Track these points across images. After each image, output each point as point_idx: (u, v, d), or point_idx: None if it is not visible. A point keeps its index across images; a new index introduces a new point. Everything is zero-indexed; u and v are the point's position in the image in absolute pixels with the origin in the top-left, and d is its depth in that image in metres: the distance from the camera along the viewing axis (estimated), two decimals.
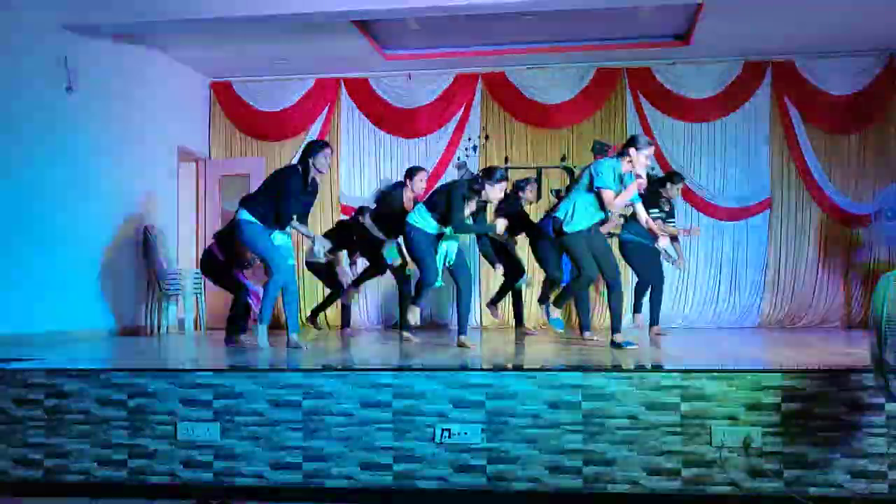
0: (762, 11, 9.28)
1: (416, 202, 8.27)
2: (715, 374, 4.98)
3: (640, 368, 5.15)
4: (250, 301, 8.22)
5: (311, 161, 6.99)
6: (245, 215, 6.96)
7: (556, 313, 7.28)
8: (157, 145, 10.47)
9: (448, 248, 7.33)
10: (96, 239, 9.36)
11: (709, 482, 4.88)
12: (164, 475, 5.27)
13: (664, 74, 11.17)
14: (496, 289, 9.67)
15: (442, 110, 11.45)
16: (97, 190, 9.35)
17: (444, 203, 7.18)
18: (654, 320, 8.82)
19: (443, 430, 5.05)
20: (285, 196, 6.89)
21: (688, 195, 11.07)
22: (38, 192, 8.44)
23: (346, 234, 9.52)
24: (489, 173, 7.18)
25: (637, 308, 8.96)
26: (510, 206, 8.73)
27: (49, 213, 8.58)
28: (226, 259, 8.09)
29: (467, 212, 7.24)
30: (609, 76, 11.25)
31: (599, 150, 9.03)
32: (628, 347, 6.81)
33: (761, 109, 11.06)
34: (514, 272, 9.02)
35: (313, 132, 11.72)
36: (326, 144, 7.14)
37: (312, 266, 9.81)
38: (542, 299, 9.45)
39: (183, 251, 11.01)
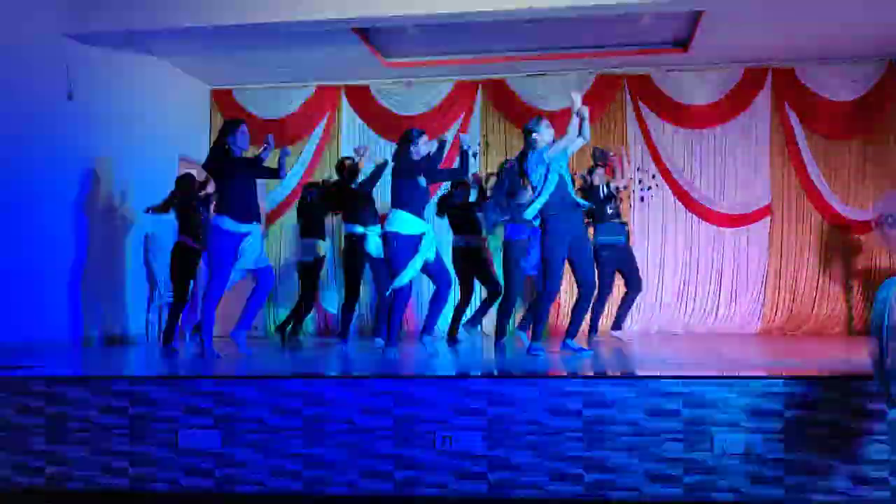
0: (762, 18, 9.30)
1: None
2: (716, 380, 4.98)
3: (641, 375, 5.15)
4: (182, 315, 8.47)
5: (228, 140, 7.12)
6: (213, 220, 7.10)
7: (529, 340, 7.16)
8: (157, 153, 10.48)
9: (428, 247, 7.15)
10: (97, 247, 9.36)
11: (710, 489, 4.88)
12: (166, 483, 5.27)
13: (664, 81, 11.19)
14: (473, 307, 9.66)
15: (442, 117, 11.46)
16: (96, 198, 9.36)
17: (401, 183, 7.11)
18: (618, 324, 8.90)
19: (444, 437, 5.05)
20: (220, 177, 7.10)
21: (688, 202, 11.09)
22: (36, 199, 8.45)
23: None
24: (407, 136, 7.17)
25: (622, 319, 9.01)
26: (454, 199, 8.88)
27: (48, 220, 8.59)
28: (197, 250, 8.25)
29: (425, 152, 7.18)
30: (609, 83, 11.27)
31: (599, 157, 9.04)
32: (582, 353, 6.92)
33: (761, 116, 11.07)
34: (493, 288, 8.96)
35: (314, 139, 11.74)
36: (241, 121, 7.31)
37: (301, 266, 9.42)
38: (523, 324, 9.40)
39: None
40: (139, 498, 5.27)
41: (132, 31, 9.02)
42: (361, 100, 11.73)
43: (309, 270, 9.26)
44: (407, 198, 7.05)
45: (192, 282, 8.51)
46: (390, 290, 7.09)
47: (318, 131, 11.75)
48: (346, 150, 11.73)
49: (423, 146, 7.14)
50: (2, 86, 8.08)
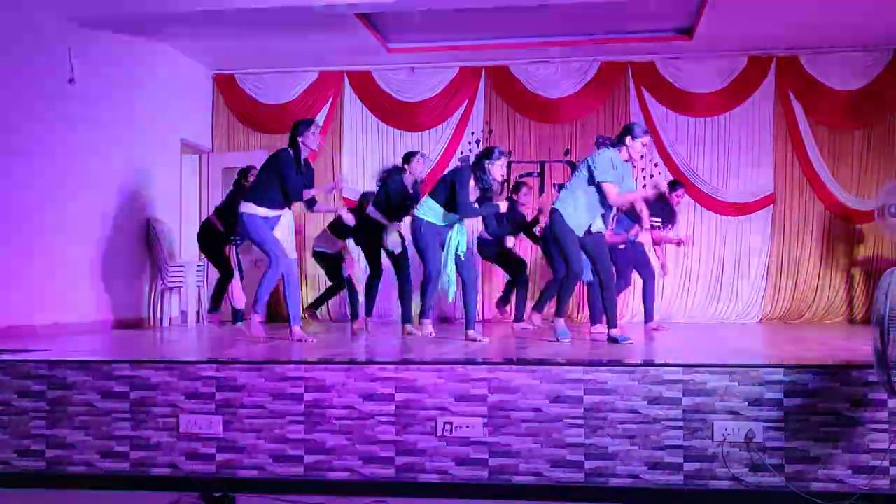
0: (767, 6, 9.26)
1: (415, 191, 8.32)
2: (717, 368, 4.98)
3: (642, 363, 5.15)
4: (231, 289, 8.63)
5: (300, 140, 7.13)
6: (246, 208, 7.06)
7: (560, 324, 7.25)
8: (159, 137, 10.47)
9: (459, 240, 7.34)
10: (99, 231, 9.36)
11: (710, 477, 4.89)
12: (166, 467, 5.28)
13: (668, 69, 11.15)
14: (499, 290, 9.79)
15: (445, 104, 11.44)
16: (99, 182, 9.35)
17: (447, 189, 7.29)
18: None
19: (444, 423, 5.06)
20: (285, 176, 7.05)
21: (691, 190, 11.06)
22: (38, 183, 8.44)
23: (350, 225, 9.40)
24: (488, 153, 7.30)
25: (650, 315, 9.03)
26: (513, 213, 9.00)
27: (49, 204, 8.58)
28: (225, 230, 8.40)
29: (472, 198, 7.28)
30: (613, 70, 11.24)
31: (603, 144, 9.03)
32: (625, 342, 6.86)
33: (765, 105, 11.04)
34: (516, 269, 9.21)
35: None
36: (313, 121, 7.33)
37: (320, 255, 9.74)
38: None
39: (186, 244, 11.01)
40: (140, 482, 5.29)
41: (134, 15, 9.00)
42: (364, 86, 11.70)
43: (326, 258, 9.46)
44: (441, 194, 7.36)
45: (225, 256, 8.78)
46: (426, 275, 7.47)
47: (321, 117, 11.72)
48: (349, 137, 11.73)
49: (497, 170, 7.28)
50: (4, 69, 8.06)
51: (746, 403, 4.90)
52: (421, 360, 5.31)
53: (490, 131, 11.56)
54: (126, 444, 5.34)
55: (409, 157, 8.48)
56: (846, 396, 4.85)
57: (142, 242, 10.07)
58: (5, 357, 5.66)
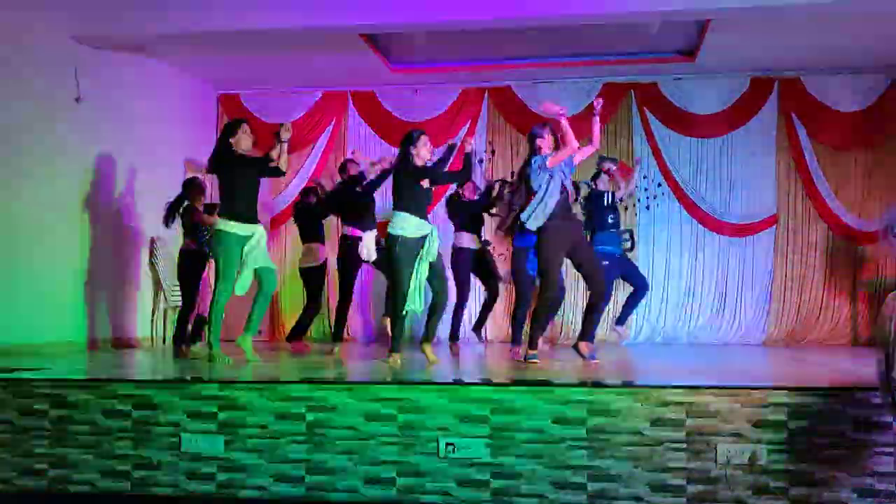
0: (769, 28, 9.29)
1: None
2: (720, 390, 4.97)
3: (645, 385, 5.14)
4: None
5: (230, 141, 7.14)
6: (218, 224, 7.12)
7: (587, 348, 7.09)
8: (163, 157, 10.49)
9: (429, 248, 7.00)
10: (100, 250, 9.37)
11: (713, 500, 4.87)
12: (168, 486, 5.27)
13: (671, 90, 11.18)
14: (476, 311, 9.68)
15: (448, 124, 11.46)
16: (101, 201, 9.37)
17: (403, 185, 7.04)
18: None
19: (447, 444, 5.05)
20: (224, 182, 7.13)
21: (693, 211, 11.07)
22: (43, 202, 8.46)
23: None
24: (408, 138, 7.07)
25: (623, 319, 9.11)
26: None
27: (54, 223, 8.60)
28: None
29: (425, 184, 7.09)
30: (616, 91, 11.26)
31: (599, 164, 9.08)
32: (592, 361, 6.89)
33: (768, 126, 11.05)
34: (493, 290, 9.16)
35: (320, 144, 11.75)
36: (243, 121, 7.34)
37: (304, 271, 9.24)
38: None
39: None
40: (142, 501, 5.28)
41: (140, 36, 9.04)
42: (368, 106, 11.74)
43: (312, 275, 9.21)
44: (409, 199, 6.97)
45: (199, 286, 8.53)
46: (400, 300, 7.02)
47: (325, 137, 11.76)
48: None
49: (424, 148, 7.07)
50: (9, 87, 8.10)
51: (750, 425, 4.89)
52: (423, 381, 5.30)
53: (493, 151, 11.58)
54: (128, 464, 5.33)
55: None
56: (851, 419, 4.84)
57: (142, 261, 10.08)
58: (7, 376, 5.66)
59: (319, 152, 11.75)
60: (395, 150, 10.93)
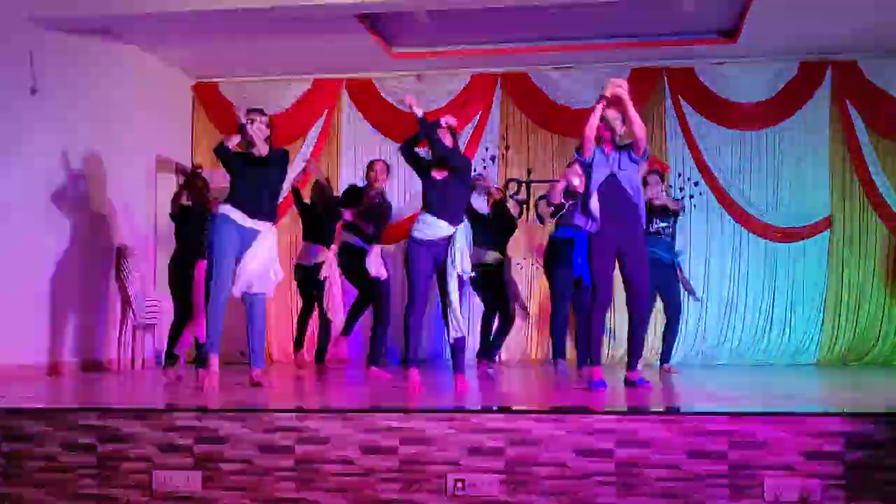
0: (822, 4, 9.28)
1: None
2: (767, 417, 4.95)
3: (682, 411, 5.13)
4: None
5: (246, 131, 7.21)
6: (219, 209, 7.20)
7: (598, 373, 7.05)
8: (132, 154, 10.51)
9: (460, 255, 7.01)
10: (60, 261, 9.38)
11: None
12: None
13: (709, 76, 11.18)
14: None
15: (456, 116, 11.22)
16: (61, 205, 9.38)
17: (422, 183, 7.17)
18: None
19: (455, 480, 5.04)
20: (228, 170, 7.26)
21: (735, 213, 11.06)
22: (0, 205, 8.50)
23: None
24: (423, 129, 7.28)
25: (667, 356, 9.16)
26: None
27: (11, 228, 8.60)
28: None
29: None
30: (647, 77, 11.26)
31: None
32: (643, 386, 6.92)
33: (820, 116, 11.04)
34: (505, 314, 9.18)
35: (311, 139, 11.78)
36: (257, 111, 7.35)
37: (300, 270, 9.37)
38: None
39: (161, 274, 11.02)
40: None
41: (106, 17, 9.06)
42: (364, 95, 11.76)
43: (309, 276, 9.27)
44: (426, 197, 7.11)
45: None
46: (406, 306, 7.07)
47: (315, 131, 11.78)
48: (347, 152, 11.77)
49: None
50: None
51: (802, 457, 4.87)
52: (429, 409, 5.30)
53: (507, 147, 11.58)
54: None
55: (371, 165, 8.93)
56: None
57: (110, 273, 10.09)
58: None
59: (309, 149, 11.76)
60: (396, 146, 11.04)
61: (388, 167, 9.14)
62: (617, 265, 6.97)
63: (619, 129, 7.00)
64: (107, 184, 10.04)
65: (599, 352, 7.01)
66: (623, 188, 6.88)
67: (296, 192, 9.54)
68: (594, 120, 6.85)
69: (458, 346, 6.99)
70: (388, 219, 9.05)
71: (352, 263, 8.77)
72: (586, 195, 6.96)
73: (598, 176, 6.91)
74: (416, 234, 6.99)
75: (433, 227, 6.95)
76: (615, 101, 6.88)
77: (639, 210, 6.92)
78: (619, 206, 6.86)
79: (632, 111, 6.83)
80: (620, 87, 6.78)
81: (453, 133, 7.32)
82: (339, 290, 9.21)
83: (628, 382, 7.01)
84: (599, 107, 6.85)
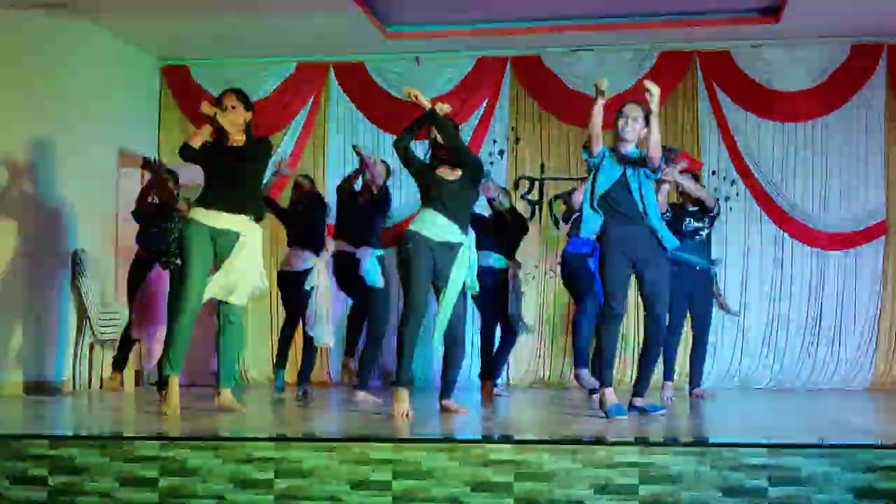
0: None
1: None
2: (813, 450, 4.94)
3: (715, 443, 5.12)
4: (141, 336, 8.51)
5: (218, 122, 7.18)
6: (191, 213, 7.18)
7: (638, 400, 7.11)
8: (89, 146, 10.48)
9: (465, 270, 7.07)
10: (4, 265, 9.38)
11: None
12: None
13: (748, 60, 11.19)
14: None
15: (460, 104, 11.41)
16: (7, 201, 9.37)
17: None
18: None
19: None
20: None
21: (777, 216, 11.04)
22: None
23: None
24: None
25: (697, 381, 9.20)
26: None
27: None
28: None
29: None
30: (677, 61, 11.27)
31: (664, 157, 9.00)
32: (656, 413, 6.89)
33: (874, 106, 11.05)
34: (506, 326, 9.36)
35: (294, 129, 11.78)
36: (233, 93, 7.30)
37: (282, 277, 9.42)
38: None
39: (123, 283, 11.02)
40: None
41: None
42: (356, 80, 11.77)
43: (296, 284, 9.30)
44: (431, 196, 7.10)
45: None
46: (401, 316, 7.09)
47: (300, 120, 11.78)
48: (335, 143, 11.77)
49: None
50: None
51: (853, 495, 4.86)
52: (427, 438, 5.29)
53: (517, 139, 11.58)
54: None
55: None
56: None
57: (64, 282, 10.08)
58: None
59: (293, 140, 11.76)
60: (392, 137, 11.00)
61: (388, 168, 9.12)
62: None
63: (637, 129, 6.97)
64: (60, 178, 10.03)
65: (611, 372, 6.99)
66: (636, 194, 6.88)
67: (268, 201, 9.50)
68: (597, 118, 6.86)
69: (445, 364, 7.07)
70: (384, 220, 9.05)
71: (346, 272, 8.77)
72: (587, 199, 6.93)
73: (605, 180, 6.89)
74: (420, 230, 6.96)
75: (442, 228, 6.95)
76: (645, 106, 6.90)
77: (654, 219, 6.92)
78: (633, 211, 6.86)
79: (656, 120, 6.84)
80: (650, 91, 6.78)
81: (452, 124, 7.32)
82: (327, 305, 9.18)
83: (633, 409, 6.99)
84: (601, 102, 6.85)
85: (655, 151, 6.81)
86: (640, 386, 7.14)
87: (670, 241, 6.96)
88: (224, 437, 5.42)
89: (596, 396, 7.37)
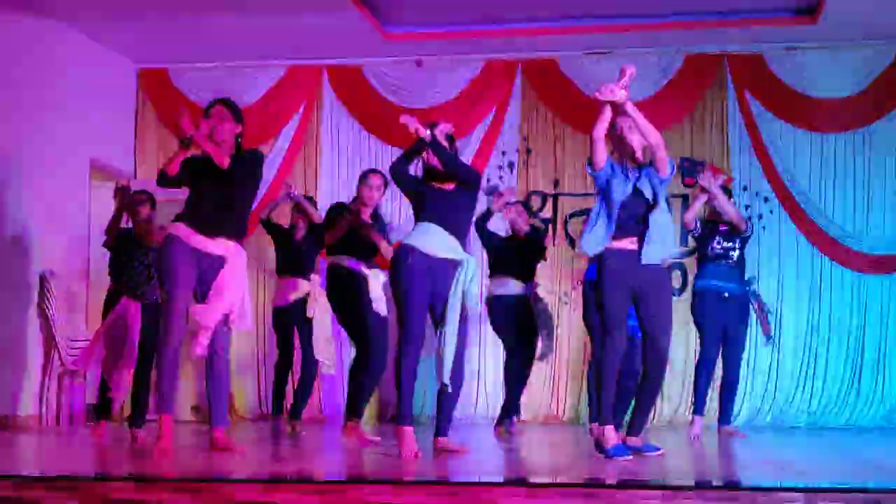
0: None
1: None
2: (854, 495, 4.94)
3: (746, 487, 5.11)
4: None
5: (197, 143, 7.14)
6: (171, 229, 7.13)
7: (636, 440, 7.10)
8: (59, 158, 10.49)
9: (470, 285, 6.94)
10: None
11: None
12: None
13: (782, 64, 11.20)
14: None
15: (465, 112, 11.47)
16: None
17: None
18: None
19: None
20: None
21: (815, 236, 11.03)
22: None
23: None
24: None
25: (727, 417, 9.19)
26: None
27: None
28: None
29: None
30: (704, 66, 11.30)
31: (689, 171, 9.03)
32: (650, 454, 6.86)
33: None
34: (523, 355, 9.35)
35: (283, 139, 11.79)
36: (220, 105, 7.22)
37: (276, 313, 9.66)
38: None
39: (95, 309, 11.02)
40: None
41: None
42: (351, 85, 11.80)
43: (289, 318, 9.41)
44: (425, 209, 7.00)
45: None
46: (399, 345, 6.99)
47: (290, 129, 11.79)
48: (329, 156, 11.80)
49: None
50: None
51: None
52: (428, 480, 5.29)
53: (528, 151, 11.59)
54: None
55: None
56: None
57: (31, 307, 10.09)
58: None
59: (283, 150, 11.77)
60: (390, 148, 11.04)
61: (386, 182, 9.12)
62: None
63: (641, 140, 6.97)
64: (27, 194, 10.04)
65: (611, 407, 6.95)
66: (644, 210, 6.86)
67: (267, 224, 9.58)
68: (600, 130, 6.88)
69: (441, 398, 6.97)
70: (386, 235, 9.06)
71: (343, 291, 8.62)
72: (599, 217, 6.92)
73: (616, 197, 6.88)
74: (416, 244, 6.83)
75: (441, 242, 6.85)
76: (618, 109, 6.90)
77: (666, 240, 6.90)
78: (636, 230, 6.84)
79: (640, 119, 6.81)
80: (613, 92, 6.76)
81: (452, 142, 7.26)
82: (328, 329, 9.22)
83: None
84: (606, 111, 6.86)
85: (657, 142, 6.80)
86: (635, 425, 7.07)
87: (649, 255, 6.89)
88: (205, 477, 5.41)
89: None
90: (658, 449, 7.02)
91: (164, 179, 6.99)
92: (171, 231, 6.99)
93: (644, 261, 6.71)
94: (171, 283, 6.92)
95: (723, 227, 8.87)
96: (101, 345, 8.50)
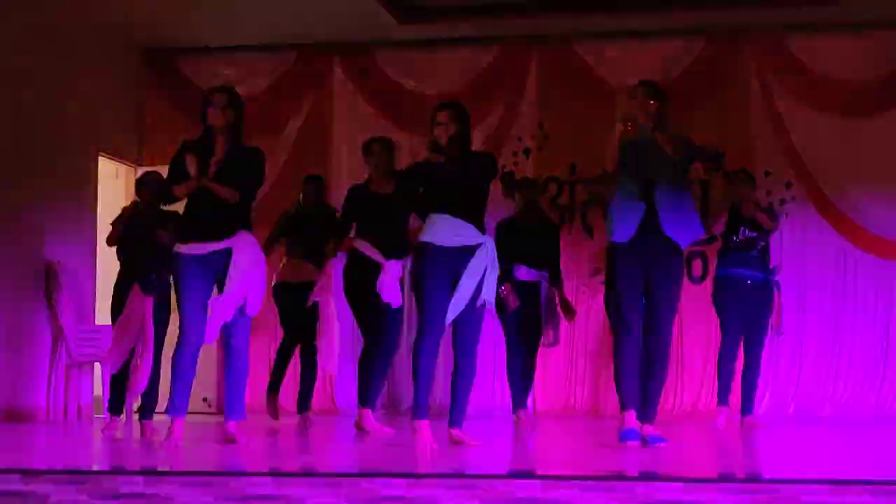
0: None
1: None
2: (881, 487, 4.92)
3: (768, 479, 5.10)
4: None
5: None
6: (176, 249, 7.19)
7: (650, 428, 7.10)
8: (63, 145, 10.49)
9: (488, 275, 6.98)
10: None
11: None
12: None
13: (804, 46, 11.16)
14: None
15: (481, 97, 11.44)
16: None
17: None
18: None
19: None
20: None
21: (840, 224, 10.99)
22: None
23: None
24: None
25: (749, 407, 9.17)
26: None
27: None
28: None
29: None
30: (722, 49, 11.25)
31: (709, 158, 8.98)
32: (654, 444, 6.87)
33: None
34: (529, 344, 9.42)
35: (292, 126, 11.76)
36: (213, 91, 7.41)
37: (279, 288, 9.68)
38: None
39: (103, 299, 11.03)
40: None
41: None
42: (364, 70, 11.76)
43: (297, 299, 9.35)
44: (437, 196, 7.01)
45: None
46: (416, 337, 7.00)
47: (300, 117, 11.77)
48: (340, 142, 11.76)
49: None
50: None
51: None
52: (443, 473, 5.28)
53: (545, 137, 11.56)
54: None
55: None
56: None
57: (37, 297, 10.12)
58: None
59: (292, 138, 11.76)
60: (406, 136, 11.03)
61: (393, 146, 9.04)
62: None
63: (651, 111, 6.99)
64: (29, 183, 10.05)
65: (629, 393, 6.97)
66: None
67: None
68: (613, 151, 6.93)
69: (456, 386, 7.02)
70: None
71: (357, 276, 8.62)
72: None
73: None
74: (431, 239, 6.88)
75: (457, 230, 6.87)
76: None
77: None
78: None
79: None
80: None
81: (464, 121, 7.16)
82: (337, 329, 9.17)
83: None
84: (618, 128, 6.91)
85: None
86: (647, 414, 7.06)
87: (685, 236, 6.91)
88: (216, 471, 5.42)
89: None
90: (663, 440, 7.02)
91: (167, 199, 7.35)
92: (175, 250, 7.11)
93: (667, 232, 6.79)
94: (181, 297, 7.08)
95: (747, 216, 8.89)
96: (124, 343, 8.53)
